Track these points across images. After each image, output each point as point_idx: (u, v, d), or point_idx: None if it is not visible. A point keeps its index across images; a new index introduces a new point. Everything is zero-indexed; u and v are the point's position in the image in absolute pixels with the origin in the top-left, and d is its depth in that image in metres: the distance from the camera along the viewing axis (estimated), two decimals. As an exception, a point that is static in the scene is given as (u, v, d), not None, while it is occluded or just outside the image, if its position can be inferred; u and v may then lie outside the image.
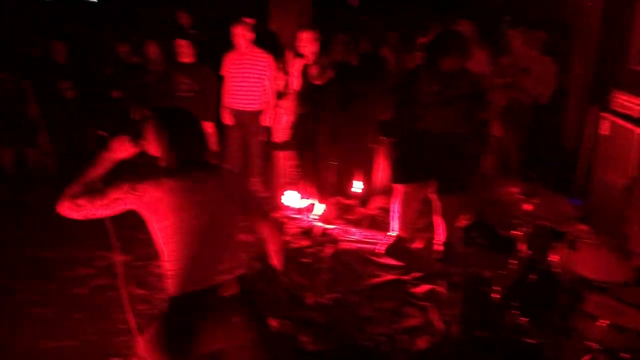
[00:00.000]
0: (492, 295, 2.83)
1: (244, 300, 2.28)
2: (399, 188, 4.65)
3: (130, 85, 6.22)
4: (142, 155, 2.42)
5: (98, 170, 2.35)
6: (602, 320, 2.64)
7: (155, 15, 8.00)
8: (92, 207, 2.24)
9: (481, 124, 4.44)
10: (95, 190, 2.25)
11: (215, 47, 6.04)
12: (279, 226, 2.54)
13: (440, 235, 4.65)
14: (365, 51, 5.92)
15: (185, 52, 5.67)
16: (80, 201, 2.24)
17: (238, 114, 5.80)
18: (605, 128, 4.38)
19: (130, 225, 5.24)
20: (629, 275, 2.97)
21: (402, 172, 4.63)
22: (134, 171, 2.30)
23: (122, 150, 2.37)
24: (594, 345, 2.67)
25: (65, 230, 5.17)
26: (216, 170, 2.35)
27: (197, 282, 2.20)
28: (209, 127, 5.73)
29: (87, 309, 3.90)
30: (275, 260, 2.60)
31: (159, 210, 2.18)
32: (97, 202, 2.23)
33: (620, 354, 2.64)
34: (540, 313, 2.66)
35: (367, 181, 5.85)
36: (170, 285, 2.23)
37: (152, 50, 5.96)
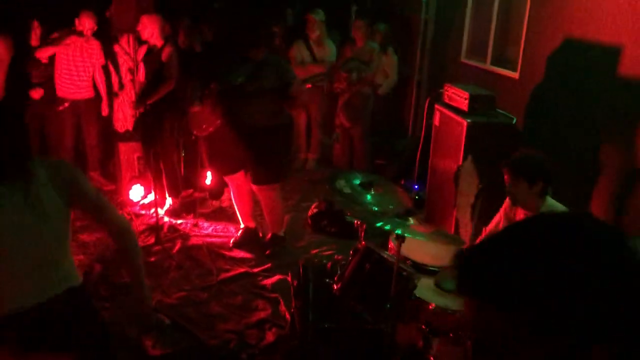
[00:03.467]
0: (333, 286, 2.91)
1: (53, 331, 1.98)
2: (227, 180, 4.64)
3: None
4: None
5: None
6: (431, 305, 2.83)
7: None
8: None
9: (290, 115, 4.51)
10: None
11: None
12: (129, 229, 2.22)
13: (268, 226, 4.69)
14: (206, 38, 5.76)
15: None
16: None
17: (74, 104, 5.40)
18: (438, 119, 4.70)
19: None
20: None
21: (218, 165, 4.60)
22: None
23: None
24: (425, 327, 2.86)
25: None
26: (27, 174, 1.88)
27: None
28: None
29: None
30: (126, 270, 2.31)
31: None
32: None
33: (450, 334, 2.87)
34: (377, 300, 2.78)
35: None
36: None
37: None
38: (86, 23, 5.28)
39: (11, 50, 4.69)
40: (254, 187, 4.45)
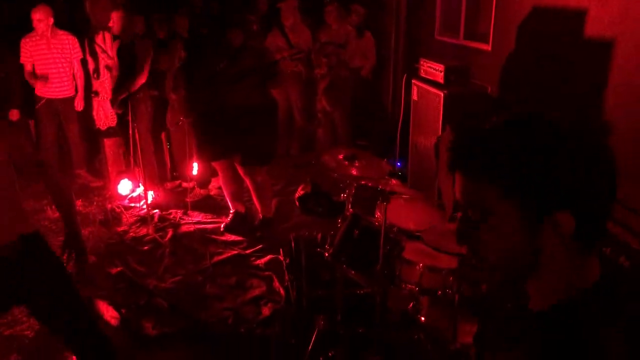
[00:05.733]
0: (324, 254, 3.01)
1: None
2: (215, 165, 4.72)
3: None
4: None
5: None
6: (419, 265, 2.95)
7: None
8: None
9: (272, 97, 4.61)
10: None
11: (13, 33, 5.55)
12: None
13: (257, 209, 4.79)
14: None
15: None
16: None
17: (50, 103, 5.44)
18: (415, 94, 4.82)
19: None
20: (442, 223, 3.34)
21: (204, 150, 4.68)
22: None
23: None
24: (414, 288, 2.98)
25: None
26: None
27: None
28: (14, 115, 5.43)
29: None
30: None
31: None
32: None
33: (438, 292, 2.99)
34: (367, 264, 2.89)
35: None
36: None
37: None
38: (38, 16, 5.20)
39: None
40: (241, 171, 4.53)
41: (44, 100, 5.43)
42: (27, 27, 5.31)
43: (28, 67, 5.35)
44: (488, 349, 1.13)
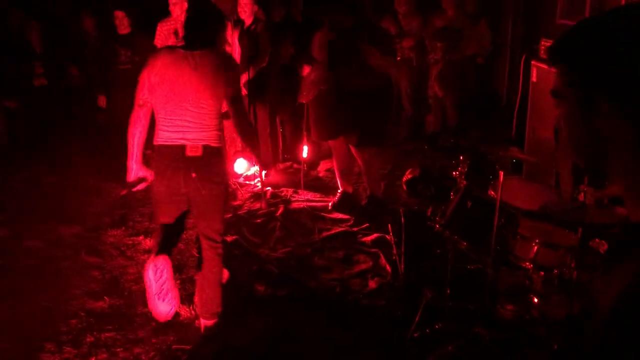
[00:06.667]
0: (434, 225, 2.99)
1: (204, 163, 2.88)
2: (330, 143, 4.80)
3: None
4: None
5: None
6: (534, 241, 2.84)
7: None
8: None
9: (390, 79, 4.57)
10: None
11: (150, 17, 5.99)
12: None
13: (366, 188, 4.81)
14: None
15: (123, 24, 5.60)
16: None
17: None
18: (535, 76, 4.62)
19: (78, 200, 5.24)
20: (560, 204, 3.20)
21: (322, 128, 4.75)
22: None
23: None
24: (529, 265, 2.87)
25: (13, 204, 5.11)
26: None
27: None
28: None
29: (39, 279, 3.88)
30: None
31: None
32: None
33: (554, 271, 2.86)
34: (478, 238, 2.83)
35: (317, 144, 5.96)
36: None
37: (88, 23, 5.85)
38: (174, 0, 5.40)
39: None
40: (354, 151, 4.61)
41: None
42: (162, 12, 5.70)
43: None
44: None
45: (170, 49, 3.03)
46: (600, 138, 0.94)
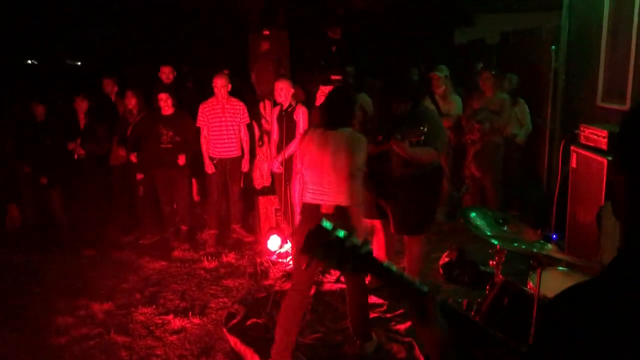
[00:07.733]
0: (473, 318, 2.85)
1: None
2: (371, 222, 4.71)
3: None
4: None
5: None
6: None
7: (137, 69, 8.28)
8: None
9: (437, 166, 4.48)
10: None
11: (194, 97, 6.23)
12: None
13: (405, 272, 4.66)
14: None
15: (166, 105, 5.82)
16: None
17: (219, 162, 5.91)
18: (575, 161, 4.52)
19: (112, 275, 5.28)
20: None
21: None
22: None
23: None
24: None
25: (45, 279, 5.19)
26: None
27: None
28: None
29: (68, 358, 3.85)
30: None
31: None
32: None
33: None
34: (516, 331, 2.68)
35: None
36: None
37: (131, 101, 6.10)
38: (221, 83, 5.70)
39: None
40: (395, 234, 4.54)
41: (216, 160, 5.92)
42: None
43: (204, 132, 5.85)
44: None
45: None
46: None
